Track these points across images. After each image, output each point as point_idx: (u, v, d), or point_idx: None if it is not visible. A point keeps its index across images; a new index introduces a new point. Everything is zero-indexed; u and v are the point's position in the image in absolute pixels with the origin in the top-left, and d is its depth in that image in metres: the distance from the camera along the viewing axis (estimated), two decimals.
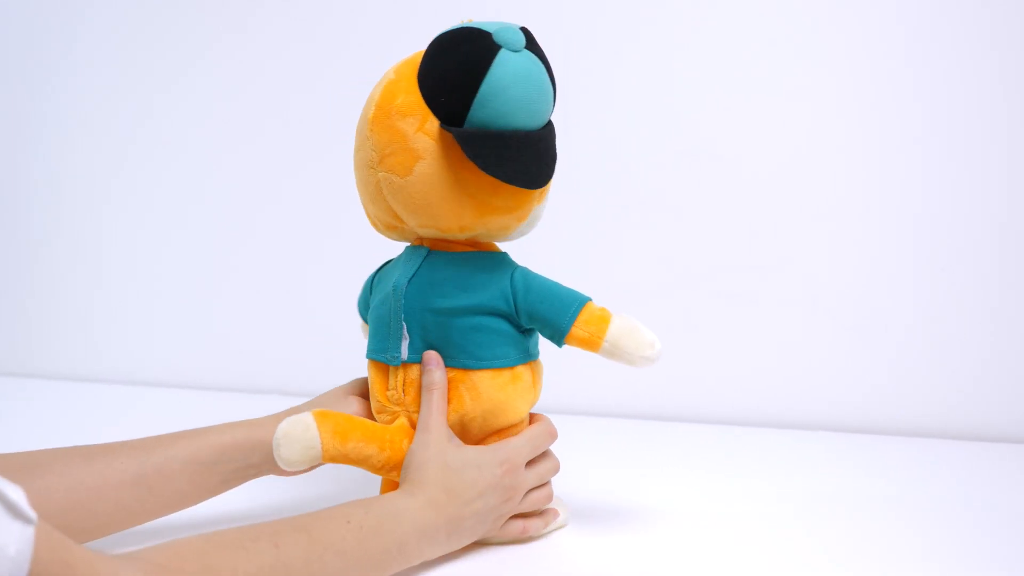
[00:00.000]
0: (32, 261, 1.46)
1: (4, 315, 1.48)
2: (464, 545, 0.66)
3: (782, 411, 1.17)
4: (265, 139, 1.34)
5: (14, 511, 0.37)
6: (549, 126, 0.69)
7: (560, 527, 0.75)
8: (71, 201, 1.43)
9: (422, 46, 0.69)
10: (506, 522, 0.70)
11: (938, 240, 1.13)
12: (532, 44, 0.67)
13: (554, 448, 0.90)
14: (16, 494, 0.37)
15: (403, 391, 0.70)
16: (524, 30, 0.67)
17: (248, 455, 0.68)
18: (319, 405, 0.75)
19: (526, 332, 0.72)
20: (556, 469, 0.74)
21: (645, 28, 1.19)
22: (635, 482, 0.89)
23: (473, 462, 0.66)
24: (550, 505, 0.75)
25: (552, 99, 0.69)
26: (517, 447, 0.69)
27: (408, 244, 0.74)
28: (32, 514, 0.37)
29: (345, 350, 0.99)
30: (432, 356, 0.69)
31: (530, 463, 0.71)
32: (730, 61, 1.17)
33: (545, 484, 0.73)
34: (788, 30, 1.16)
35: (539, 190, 0.70)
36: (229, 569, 0.49)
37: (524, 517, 0.71)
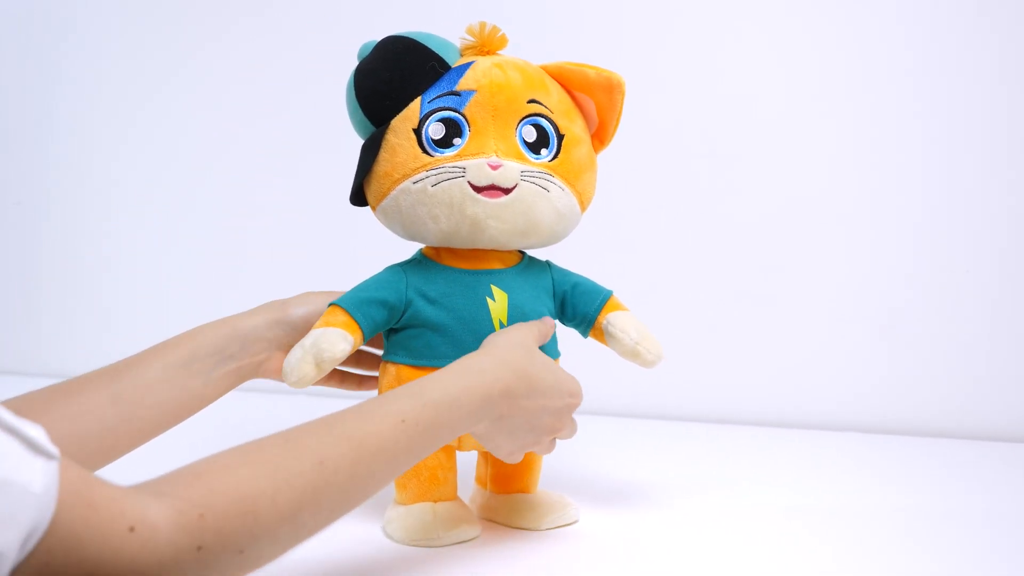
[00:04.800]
0: (39, 260, 1.49)
1: (12, 315, 1.51)
2: (492, 444, 0.64)
3: (790, 411, 1.17)
4: (271, 138, 1.35)
5: (36, 448, 0.36)
6: (371, 136, 0.69)
7: (571, 523, 0.74)
8: (75, 204, 1.47)
9: None
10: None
11: (949, 241, 1.13)
12: (375, 52, 0.68)
13: (571, 447, 0.89)
14: (35, 431, 0.36)
15: None
16: (383, 41, 0.68)
17: (224, 345, 0.66)
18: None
19: None
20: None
21: (675, 30, 1.20)
22: (651, 482, 0.88)
23: (555, 373, 0.65)
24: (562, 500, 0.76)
25: (354, 108, 0.69)
26: (580, 393, 0.67)
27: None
28: (54, 449, 0.37)
29: None
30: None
31: None
32: (753, 63, 1.18)
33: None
34: (815, 33, 1.16)
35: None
36: (267, 500, 0.45)
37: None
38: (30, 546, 0.36)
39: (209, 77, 1.39)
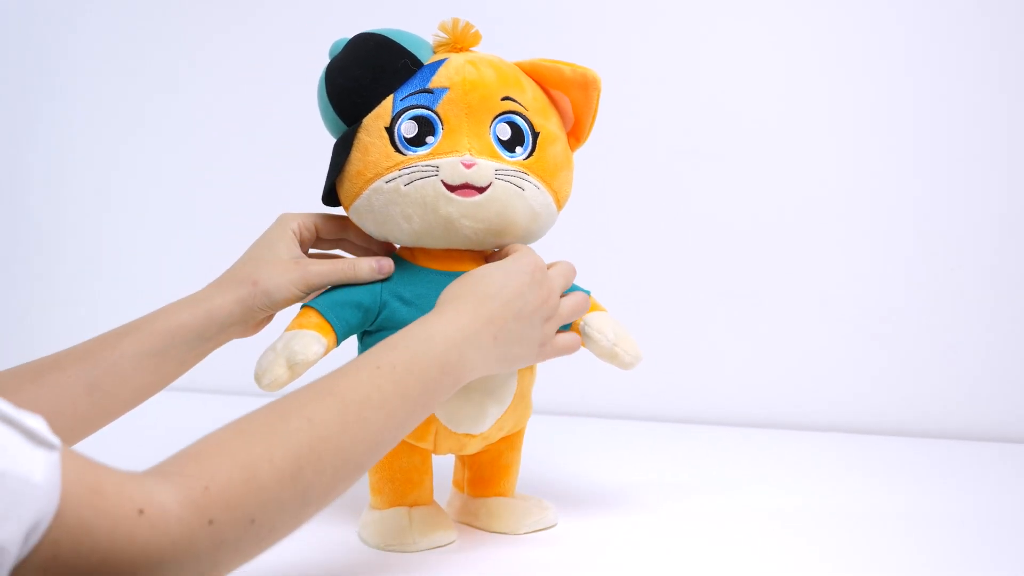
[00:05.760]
0: (35, 261, 1.48)
1: (7, 315, 1.50)
2: (519, 360, 0.63)
3: (784, 412, 1.16)
4: (269, 137, 1.34)
5: (36, 439, 0.35)
6: (343, 135, 0.68)
7: (550, 526, 0.74)
8: (75, 203, 1.45)
9: None
10: (553, 339, 0.66)
11: (942, 240, 1.12)
12: (346, 50, 0.67)
13: (555, 449, 0.90)
14: (35, 422, 0.36)
15: None
16: (354, 38, 0.67)
17: (202, 331, 0.65)
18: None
19: None
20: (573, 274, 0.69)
21: (656, 27, 1.19)
22: (632, 484, 0.87)
23: (498, 269, 0.62)
24: (540, 504, 0.74)
25: (325, 107, 0.68)
26: (537, 257, 0.65)
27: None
28: (55, 439, 0.36)
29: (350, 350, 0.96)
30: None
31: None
32: (741, 60, 1.17)
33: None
34: (801, 31, 1.16)
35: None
36: (266, 463, 0.45)
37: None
38: (35, 539, 0.35)
39: (206, 77, 1.38)
